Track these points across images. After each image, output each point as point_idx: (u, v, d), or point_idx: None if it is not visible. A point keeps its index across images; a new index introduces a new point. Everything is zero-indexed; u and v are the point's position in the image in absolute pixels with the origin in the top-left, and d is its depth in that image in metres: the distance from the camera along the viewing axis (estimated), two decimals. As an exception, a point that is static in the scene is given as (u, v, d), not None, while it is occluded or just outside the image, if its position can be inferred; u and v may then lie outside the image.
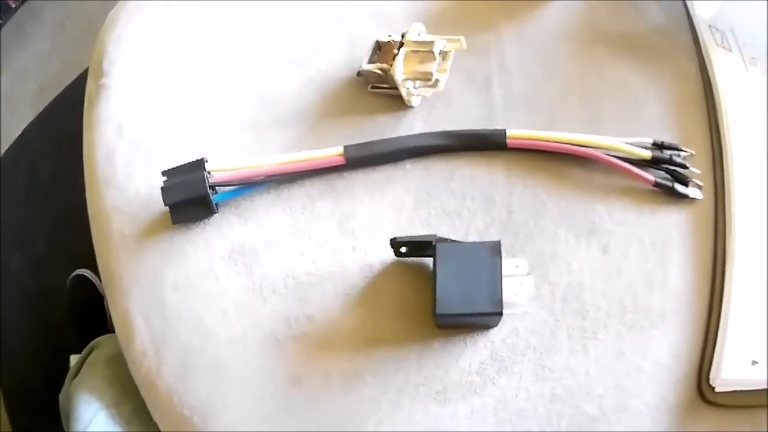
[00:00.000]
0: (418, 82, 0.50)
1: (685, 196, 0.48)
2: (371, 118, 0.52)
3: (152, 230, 0.51)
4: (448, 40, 0.50)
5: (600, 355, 0.44)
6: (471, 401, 0.43)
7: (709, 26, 0.55)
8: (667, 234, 0.47)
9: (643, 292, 0.46)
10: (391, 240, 0.45)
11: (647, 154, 0.47)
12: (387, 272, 0.47)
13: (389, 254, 0.46)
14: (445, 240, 0.44)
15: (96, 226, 0.53)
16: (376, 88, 0.52)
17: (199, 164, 0.49)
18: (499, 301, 0.41)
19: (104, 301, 1.05)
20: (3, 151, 1.25)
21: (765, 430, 0.43)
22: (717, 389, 0.43)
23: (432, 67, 0.49)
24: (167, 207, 0.49)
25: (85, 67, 1.19)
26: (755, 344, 0.44)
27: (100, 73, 0.58)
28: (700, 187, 0.48)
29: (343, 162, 0.48)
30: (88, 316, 1.05)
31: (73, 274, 1.07)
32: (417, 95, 0.51)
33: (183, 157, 0.50)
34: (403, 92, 0.50)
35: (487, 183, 0.49)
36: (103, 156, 0.54)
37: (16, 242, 1.18)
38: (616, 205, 0.48)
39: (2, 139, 1.25)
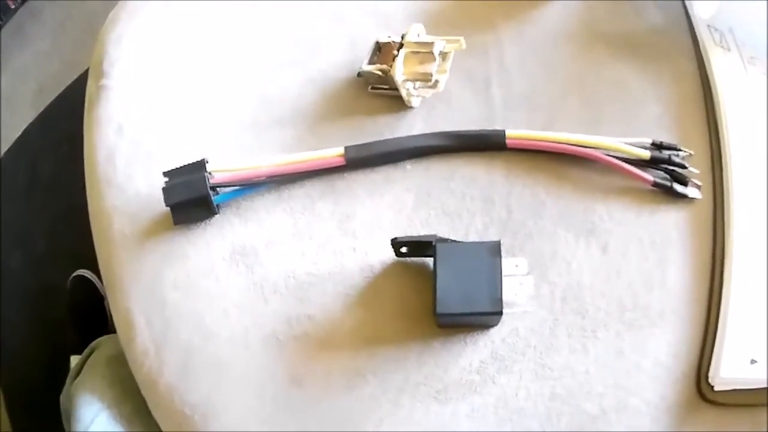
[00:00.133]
0: (418, 83, 0.50)
1: (683, 196, 0.48)
2: (371, 119, 0.53)
3: (153, 230, 0.51)
4: (448, 41, 0.51)
5: (600, 354, 0.45)
6: (471, 400, 0.44)
7: (708, 26, 0.55)
8: (666, 233, 0.48)
9: (642, 291, 0.46)
10: (392, 240, 0.46)
11: (646, 154, 0.48)
12: (387, 272, 0.48)
13: (389, 254, 0.47)
14: (445, 240, 0.45)
15: (97, 226, 0.54)
16: (376, 88, 0.53)
17: (200, 165, 0.49)
18: (499, 301, 0.41)
19: (105, 302, 1.06)
20: (3, 152, 1.25)
21: (765, 429, 0.44)
22: (716, 388, 0.44)
23: (432, 68, 0.49)
24: (168, 207, 0.50)
25: (85, 68, 1.20)
26: (754, 343, 0.44)
27: (101, 74, 0.59)
28: (698, 187, 0.48)
29: (344, 163, 0.49)
30: (88, 316, 1.05)
31: (74, 274, 1.08)
32: (417, 96, 0.52)
33: (183, 157, 0.51)
34: (403, 93, 0.50)
35: (487, 183, 0.50)
36: (103, 156, 0.55)
37: (16, 242, 1.18)
38: (616, 204, 0.48)
39: (2, 139, 1.25)
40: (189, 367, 0.47)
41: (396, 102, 0.52)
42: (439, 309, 0.42)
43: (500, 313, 0.42)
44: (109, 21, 0.63)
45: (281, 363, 0.46)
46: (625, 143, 0.48)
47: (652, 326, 0.45)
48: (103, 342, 0.68)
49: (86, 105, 0.59)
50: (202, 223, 0.51)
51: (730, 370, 0.43)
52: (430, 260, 0.45)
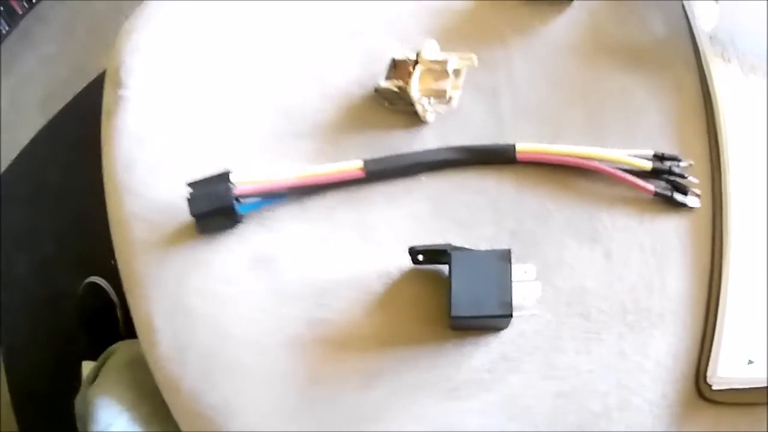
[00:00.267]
0: (432, 99, 0.55)
1: (683, 205, 0.53)
2: (388, 133, 0.57)
3: (175, 237, 0.55)
4: (461, 58, 0.55)
5: (603, 354, 0.49)
6: (482, 398, 0.48)
7: (710, 37, 0.60)
8: (666, 241, 0.52)
9: (643, 295, 0.51)
10: (410, 248, 0.50)
11: (648, 165, 0.52)
12: (404, 278, 0.52)
13: (406, 261, 0.51)
14: (459, 248, 0.49)
15: (118, 233, 0.57)
16: (392, 104, 0.57)
17: (223, 176, 0.53)
18: (509, 304, 0.46)
19: (116, 309, 1.11)
20: (12, 158, 1.29)
21: (762, 426, 0.48)
22: (714, 387, 0.48)
23: (446, 84, 0.54)
24: (192, 217, 0.53)
25: (94, 74, 1.25)
26: (751, 344, 0.48)
27: (118, 84, 0.62)
28: (698, 196, 0.53)
29: (363, 175, 0.53)
30: (98, 323, 1.09)
31: (85, 281, 1.12)
32: (432, 111, 0.56)
33: (204, 166, 0.54)
34: (419, 109, 0.55)
35: (497, 194, 0.54)
36: (123, 165, 0.58)
37: (23, 248, 1.22)
38: (619, 213, 0.53)
39: (10, 145, 1.29)
40: (211, 369, 0.51)
41: (412, 117, 0.57)
42: (454, 312, 0.46)
43: (510, 316, 0.46)
44: (124, 30, 0.65)
45: (301, 364, 0.50)
46: (628, 155, 0.53)
47: (653, 328, 0.50)
48: (120, 347, 0.71)
49: (104, 114, 0.62)
50: (225, 231, 0.54)
51: (727, 370, 0.48)
52: (444, 267, 0.50)
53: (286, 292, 0.52)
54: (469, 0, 0.63)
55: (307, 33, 0.63)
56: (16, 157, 1.29)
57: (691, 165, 0.54)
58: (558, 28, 0.62)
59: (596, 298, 0.51)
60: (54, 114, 1.30)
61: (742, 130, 0.56)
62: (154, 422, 0.60)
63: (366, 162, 0.54)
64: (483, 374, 0.49)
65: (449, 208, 0.54)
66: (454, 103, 0.55)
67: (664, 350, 0.49)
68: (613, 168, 0.53)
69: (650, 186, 0.52)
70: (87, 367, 0.99)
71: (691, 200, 0.53)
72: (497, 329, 0.50)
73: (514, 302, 0.46)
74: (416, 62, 0.55)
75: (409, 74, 0.54)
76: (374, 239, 0.54)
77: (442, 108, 0.56)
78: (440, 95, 0.54)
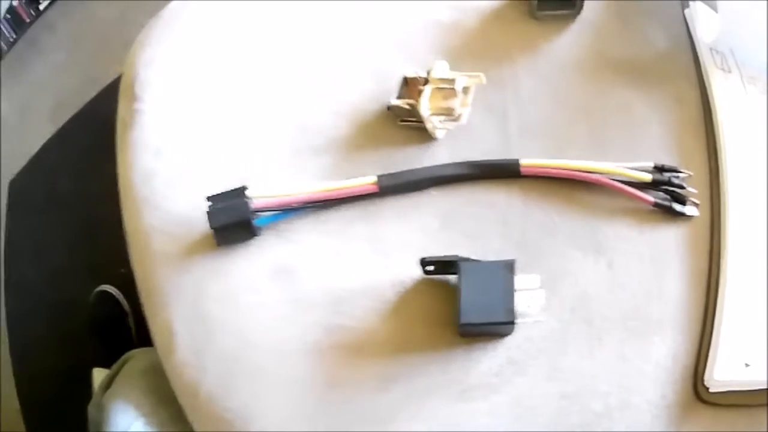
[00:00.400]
0: (442, 117, 0.60)
1: (682, 214, 0.58)
2: (400, 149, 0.62)
3: (194, 249, 0.59)
4: (469, 77, 0.61)
5: (605, 357, 0.54)
6: (491, 399, 0.53)
7: (711, 49, 0.64)
8: (666, 249, 0.57)
9: (644, 302, 0.56)
10: (421, 259, 0.55)
11: (647, 177, 0.57)
12: (415, 288, 0.57)
13: (416, 272, 0.56)
14: (467, 259, 0.54)
15: (135, 244, 0.62)
16: (404, 121, 0.62)
17: (241, 191, 0.58)
18: (512, 311, 0.51)
19: (127, 317, 1.15)
20: (22, 166, 1.33)
21: (759, 428, 0.52)
22: (711, 389, 0.52)
23: (455, 103, 0.60)
24: (209, 228, 0.58)
25: (103, 82, 1.29)
26: (748, 348, 0.53)
27: (133, 97, 0.67)
28: (696, 205, 0.58)
29: (377, 190, 0.59)
30: (110, 331, 1.14)
31: (96, 290, 1.16)
32: (441, 128, 0.61)
33: (222, 179, 0.59)
34: (429, 126, 0.60)
35: (504, 207, 0.59)
36: (140, 178, 0.63)
37: (34, 256, 1.26)
38: (620, 224, 0.58)
39: (21, 152, 1.33)
40: (230, 374, 0.55)
41: (422, 133, 0.62)
42: (463, 319, 0.52)
43: (513, 323, 0.52)
44: (138, 42, 0.71)
45: (318, 369, 0.54)
46: (628, 168, 0.58)
47: (652, 333, 0.54)
48: (135, 354, 0.75)
49: (119, 127, 0.67)
50: (243, 243, 0.59)
51: (724, 373, 0.52)
52: (452, 277, 0.55)
53: (304, 300, 0.57)
54: (477, 19, 0.68)
55: (323, 50, 0.68)
56: (26, 165, 1.33)
57: (690, 176, 0.59)
58: (563, 45, 0.67)
59: (599, 305, 0.56)
60: (64, 122, 1.34)
61: (741, 140, 0.60)
62: (171, 427, 0.64)
63: (380, 177, 0.59)
64: (491, 377, 0.53)
65: (458, 221, 0.59)
66: (464, 119, 0.61)
67: (663, 353, 0.54)
68: (614, 180, 0.58)
69: (650, 197, 0.57)
70: (99, 374, 1.02)
71: (689, 210, 0.58)
72: (503, 335, 0.55)
73: (519, 310, 0.52)
74: (426, 81, 0.60)
75: (420, 92, 0.60)
76: (387, 251, 0.58)
77: (451, 125, 0.61)
78: (449, 113, 0.60)
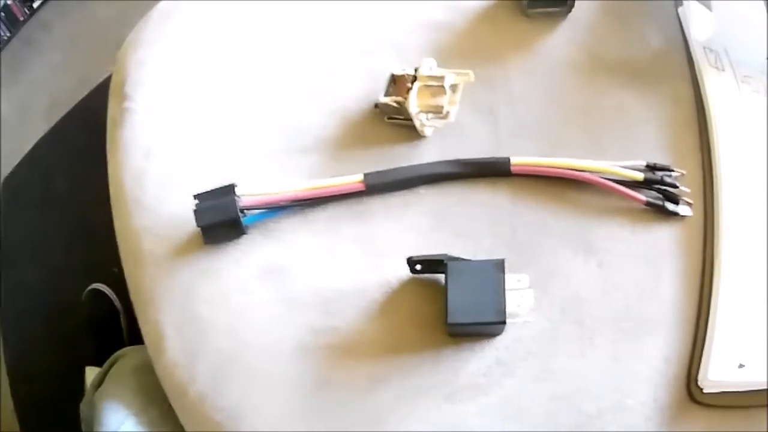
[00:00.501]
0: (430, 114, 0.60)
1: (675, 214, 0.57)
2: (388, 147, 0.62)
3: (184, 249, 0.59)
4: (458, 74, 0.60)
5: (596, 359, 0.54)
6: (479, 401, 0.53)
7: (704, 48, 0.64)
8: (658, 249, 0.57)
9: (636, 302, 0.55)
10: (408, 258, 0.55)
11: (639, 176, 0.57)
12: (404, 287, 0.57)
13: (406, 271, 0.56)
14: (456, 258, 0.54)
15: (125, 244, 0.62)
16: (392, 119, 0.62)
17: (229, 189, 0.57)
18: (503, 312, 0.51)
19: (120, 316, 1.15)
20: (16, 164, 1.33)
21: (753, 429, 0.52)
22: (705, 390, 0.52)
23: (443, 100, 0.59)
24: (198, 228, 0.58)
25: (97, 82, 1.29)
26: (742, 348, 0.53)
27: (123, 97, 0.67)
28: (690, 204, 0.58)
29: (364, 188, 0.58)
30: (103, 329, 1.13)
31: (89, 288, 1.16)
32: (429, 126, 0.61)
33: (211, 179, 0.59)
34: (417, 124, 0.60)
35: (494, 206, 0.59)
36: (131, 178, 0.63)
37: (30, 255, 1.26)
38: (612, 223, 0.58)
39: (15, 150, 1.33)
40: (220, 375, 0.55)
41: (410, 131, 0.62)
42: (450, 319, 0.51)
43: (504, 323, 0.51)
44: (128, 43, 0.71)
45: (308, 369, 0.54)
46: (620, 166, 0.57)
47: (645, 334, 0.54)
48: (126, 352, 0.75)
49: (109, 126, 0.67)
50: (232, 243, 0.59)
51: (718, 374, 0.52)
52: (441, 276, 0.54)
53: (293, 300, 0.57)
54: (469, 19, 0.68)
55: (310, 49, 0.68)
56: (19, 163, 1.33)
57: (683, 174, 0.58)
58: (555, 44, 0.67)
59: (590, 305, 0.55)
60: (56, 121, 1.34)
61: (734, 138, 0.60)
62: (162, 426, 0.64)
63: (366, 176, 0.59)
64: (479, 378, 0.53)
65: (447, 220, 0.59)
66: (452, 118, 0.60)
67: (656, 354, 0.54)
68: (606, 179, 0.57)
69: (642, 196, 0.57)
70: (91, 372, 1.04)
71: (682, 209, 0.57)
72: (492, 335, 0.54)
73: (509, 310, 0.51)
74: (414, 78, 0.60)
75: (408, 90, 0.59)
76: (376, 251, 0.58)
77: (439, 123, 0.61)
78: (438, 110, 0.59)
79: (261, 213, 0.59)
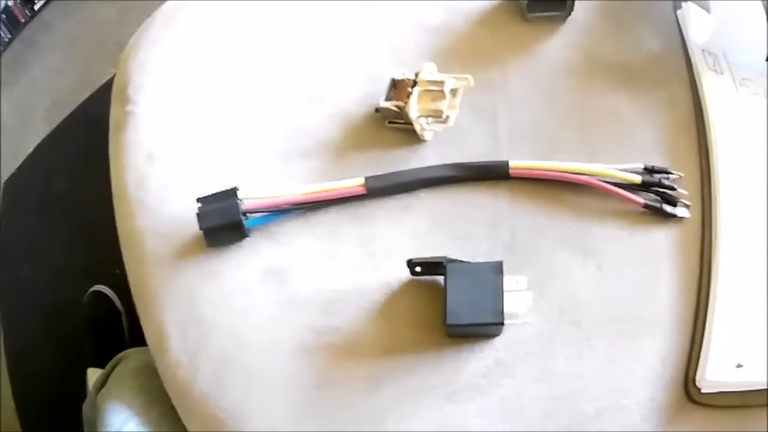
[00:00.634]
0: (430, 119, 0.61)
1: (673, 216, 0.58)
2: (388, 151, 0.63)
3: (187, 251, 0.60)
4: (457, 79, 0.62)
5: (594, 359, 0.55)
6: (479, 401, 0.54)
7: (703, 50, 0.65)
8: (656, 251, 0.58)
9: (634, 303, 0.56)
10: (408, 261, 0.56)
11: (637, 178, 0.58)
12: (403, 289, 0.58)
13: (405, 273, 0.57)
14: (455, 260, 0.55)
15: (128, 246, 0.63)
16: (392, 123, 0.63)
17: (231, 192, 0.59)
18: (501, 313, 0.52)
19: (122, 317, 1.16)
20: (17, 166, 1.34)
21: (750, 429, 0.53)
22: (703, 390, 0.53)
23: (443, 105, 0.60)
24: (201, 231, 0.59)
25: (97, 84, 1.30)
26: (740, 349, 0.53)
27: (126, 100, 0.68)
28: (687, 206, 0.58)
29: (365, 192, 0.60)
30: (104, 330, 1.14)
31: (90, 290, 1.17)
32: (430, 130, 0.62)
33: (214, 182, 0.60)
34: (417, 128, 0.61)
35: (492, 209, 0.60)
36: (134, 180, 0.64)
37: (30, 256, 1.27)
38: (610, 226, 0.59)
39: (16, 152, 1.34)
40: (222, 375, 0.56)
41: (411, 135, 0.63)
42: (449, 320, 0.53)
43: (502, 324, 0.52)
44: (131, 46, 0.72)
45: (309, 370, 0.56)
46: (618, 169, 0.58)
47: (642, 335, 0.55)
48: (129, 354, 0.76)
49: (112, 129, 0.68)
50: (234, 245, 0.60)
51: (716, 374, 0.53)
52: (440, 278, 0.55)
53: (295, 302, 0.58)
54: (468, 21, 0.69)
55: (314, 53, 0.69)
56: (21, 165, 1.34)
57: (680, 177, 0.59)
58: (553, 48, 0.68)
59: (587, 307, 0.56)
60: (58, 122, 1.35)
61: (732, 141, 0.61)
62: (164, 426, 0.65)
63: (367, 179, 0.60)
64: (479, 379, 0.54)
65: (446, 223, 0.60)
66: (451, 122, 0.61)
67: (653, 355, 0.55)
68: (604, 182, 0.58)
69: (640, 198, 0.58)
70: (93, 373, 1.03)
71: (680, 211, 0.58)
72: (491, 336, 0.55)
73: (507, 311, 0.52)
74: (415, 83, 0.61)
75: (408, 94, 0.61)
76: (376, 253, 0.60)
77: (439, 127, 0.62)
78: (438, 114, 0.60)
79: (263, 216, 0.60)
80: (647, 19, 0.69)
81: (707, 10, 0.64)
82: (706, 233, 0.58)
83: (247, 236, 0.60)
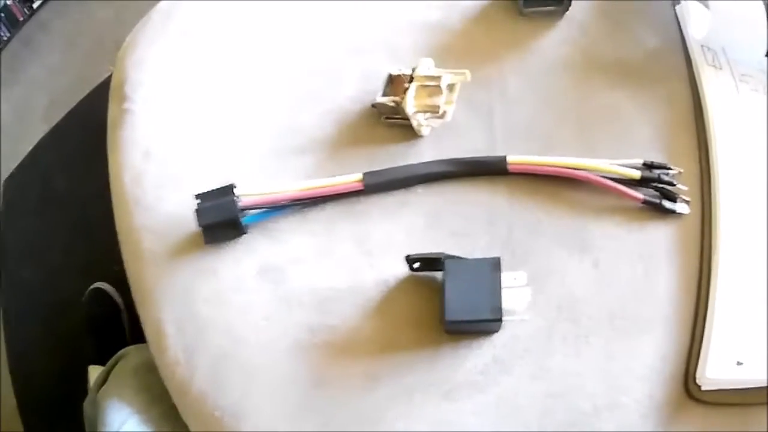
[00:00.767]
0: (427, 114, 0.61)
1: (672, 212, 0.58)
2: (385, 147, 0.63)
3: (184, 248, 0.60)
4: (454, 74, 0.61)
5: (592, 357, 0.54)
6: (476, 398, 0.53)
7: (702, 46, 0.65)
8: (655, 247, 0.58)
9: (632, 300, 0.56)
10: (406, 256, 0.56)
11: (636, 174, 0.58)
12: (400, 286, 0.57)
13: (403, 270, 0.57)
14: (452, 256, 0.55)
15: (126, 243, 0.63)
16: (389, 118, 0.63)
17: (229, 189, 0.58)
18: (499, 309, 0.52)
19: (122, 314, 1.16)
20: (16, 165, 1.35)
21: (750, 427, 0.53)
22: (703, 388, 0.53)
23: (440, 100, 0.60)
24: (199, 228, 0.59)
25: (96, 82, 1.31)
26: (741, 346, 0.53)
27: (123, 98, 0.68)
28: (687, 202, 0.58)
29: (362, 188, 0.59)
30: (104, 328, 1.14)
31: (91, 287, 1.17)
32: (426, 125, 0.62)
33: (210, 180, 0.60)
34: (414, 123, 0.61)
35: (490, 205, 0.60)
36: (131, 178, 0.64)
37: (30, 255, 1.28)
38: (608, 222, 0.58)
39: (15, 151, 1.35)
40: (220, 373, 0.56)
41: (407, 131, 0.62)
42: (447, 316, 0.52)
43: (500, 320, 0.52)
44: (128, 44, 0.72)
45: (305, 368, 0.55)
46: (617, 164, 0.58)
47: (641, 332, 0.55)
48: (129, 352, 0.76)
49: (109, 127, 0.68)
50: (231, 242, 0.60)
51: (716, 371, 0.52)
52: (437, 275, 0.55)
53: (291, 299, 0.58)
54: (464, 18, 0.69)
55: (310, 50, 0.69)
56: (20, 164, 1.35)
57: (680, 173, 0.59)
58: (551, 44, 0.67)
59: (585, 304, 0.56)
60: (57, 121, 1.36)
61: (732, 136, 0.61)
62: (164, 424, 0.65)
63: (365, 175, 0.59)
64: (476, 376, 0.54)
65: (444, 219, 0.60)
66: (448, 117, 0.61)
67: (652, 352, 0.54)
68: (602, 177, 0.58)
69: (639, 194, 0.58)
70: (94, 371, 1.05)
71: (680, 207, 0.58)
72: (489, 333, 0.55)
73: (505, 307, 0.52)
74: (411, 78, 0.61)
75: (405, 90, 0.60)
76: (373, 250, 0.59)
77: (436, 122, 0.62)
78: (434, 110, 0.60)
79: (260, 213, 0.60)
80: (646, 15, 0.68)
81: (706, 5, 0.64)
82: (706, 230, 0.58)
83: (245, 233, 0.60)
